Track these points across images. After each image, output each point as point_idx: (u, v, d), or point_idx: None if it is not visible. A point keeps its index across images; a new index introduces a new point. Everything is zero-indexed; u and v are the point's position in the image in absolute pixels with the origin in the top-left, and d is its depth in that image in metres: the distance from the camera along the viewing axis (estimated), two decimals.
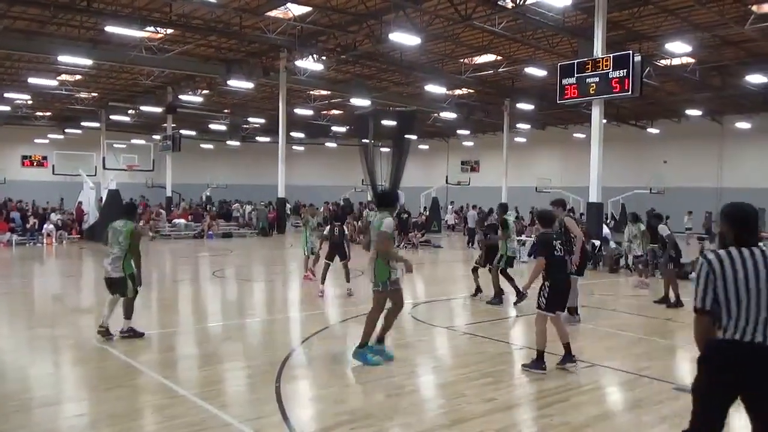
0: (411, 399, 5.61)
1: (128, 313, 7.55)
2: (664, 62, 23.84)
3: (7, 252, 19.78)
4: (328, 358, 7.00)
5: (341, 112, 36.88)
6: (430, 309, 10.36)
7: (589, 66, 16.78)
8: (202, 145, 44.25)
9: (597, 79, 16.65)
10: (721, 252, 3.19)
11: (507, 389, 5.90)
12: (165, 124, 34.22)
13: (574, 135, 38.14)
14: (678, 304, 10.43)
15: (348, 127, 39.23)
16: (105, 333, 7.42)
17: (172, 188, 34.16)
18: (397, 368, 6.55)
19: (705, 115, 33.07)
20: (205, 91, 31.05)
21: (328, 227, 11.95)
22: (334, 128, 40.64)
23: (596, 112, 17.53)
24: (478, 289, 11.04)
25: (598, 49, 16.97)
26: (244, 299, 11.88)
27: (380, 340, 6.80)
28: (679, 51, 20.97)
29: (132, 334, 7.53)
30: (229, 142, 40.80)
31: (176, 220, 27.28)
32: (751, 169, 32.79)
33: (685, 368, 7.07)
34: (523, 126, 37.51)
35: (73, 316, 8.09)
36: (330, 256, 11.38)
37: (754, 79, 23.87)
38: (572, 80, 17.20)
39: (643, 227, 13.64)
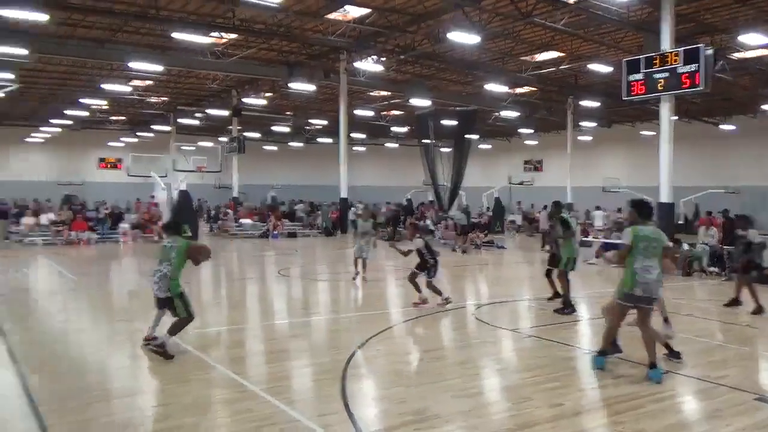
0: (476, 401, 5.57)
1: (173, 330, 6.87)
2: (738, 55, 22.73)
3: (87, 250, 20.80)
4: (392, 358, 7.04)
5: (401, 112, 36.95)
6: (494, 311, 10.24)
7: (657, 61, 16.19)
8: (266, 147, 45.22)
9: (665, 75, 16.04)
10: None
11: (575, 394, 5.77)
12: (230, 127, 35.22)
13: (642, 133, 36.82)
14: (760, 310, 9.90)
15: (408, 128, 39.28)
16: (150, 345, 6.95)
17: (238, 189, 35.16)
18: (462, 370, 6.52)
19: None
20: (268, 94, 31.73)
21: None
22: (395, 129, 40.74)
23: (665, 109, 16.92)
24: (556, 294, 10.28)
25: (666, 43, 16.37)
26: (309, 297, 12.08)
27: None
28: (754, 43, 19.94)
29: (161, 351, 6.72)
30: (291, 144, 41.49)
31: (243, 220, 28.01)
32: None
33: (767, 377, 6.73)
34: (587, 124, 36.54)
35: (149, 311, 8.42)
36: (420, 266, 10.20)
37: None
38: (639, 76, 16.64)
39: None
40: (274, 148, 46.02)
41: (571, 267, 9.89)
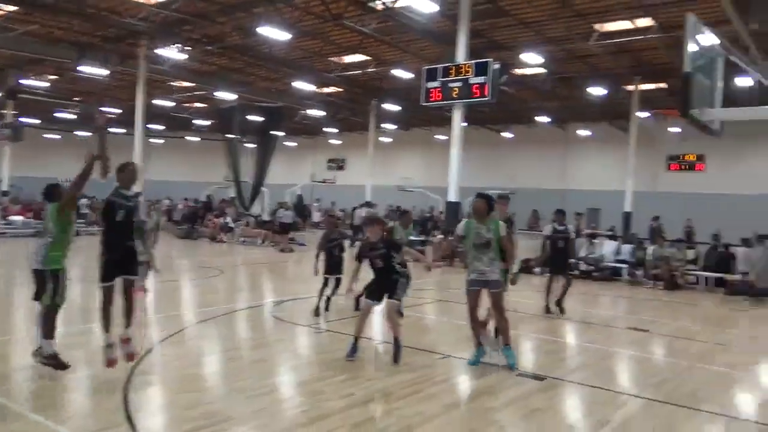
0: (270, 399, 5.53)
1: (45, 329, 5.82)
2: (519, 71, 25.49)
3: None
4: (183, 362, 6.71)
5: (205, 105, 35.53)
6: (294, 307, 10.28)
7: (453, 71, 17.54)
8: (48, 135, 40.58)
9: (459, 84, 17.44)
10: None
11: (365, 384, 6.00)
12: (4, 111, 30.98)
13: (436, 137, 39.67)
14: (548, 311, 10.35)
15: (212, 121, 37.92)
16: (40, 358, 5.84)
17: (9, 182, 31.04)
18: (257, 369, 6.44)
19: (552, 122, 35.88)
20: (52, 77, 28.49)
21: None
22: (197, 122, 39.08)
23: (457, 116, 18.33)
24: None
25: (461, 56, 17.77)
26: (89, 303, 11.02)
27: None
28: (532, 62, 22.53)
29: (52, 363, 5.76)
30: (78, 133, 37.65)
31: (12, 217, 24.66)
32: (590, 173, 36.17)
33: (527, 356, 7.60)
34: (389, 126, 38.36)
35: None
36: None
37: (595, 91, 26.22)
38: (436, 84, 17.88)
39: None
40: (58, 137, 41.47)
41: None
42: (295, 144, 47.35)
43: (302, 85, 26.94)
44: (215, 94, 28.41)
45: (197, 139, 44.39)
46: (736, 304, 13.01)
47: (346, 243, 11.07)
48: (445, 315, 9.54)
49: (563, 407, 5.52)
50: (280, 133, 34.03)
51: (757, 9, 15.76)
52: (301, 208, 32.38)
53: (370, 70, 25.64)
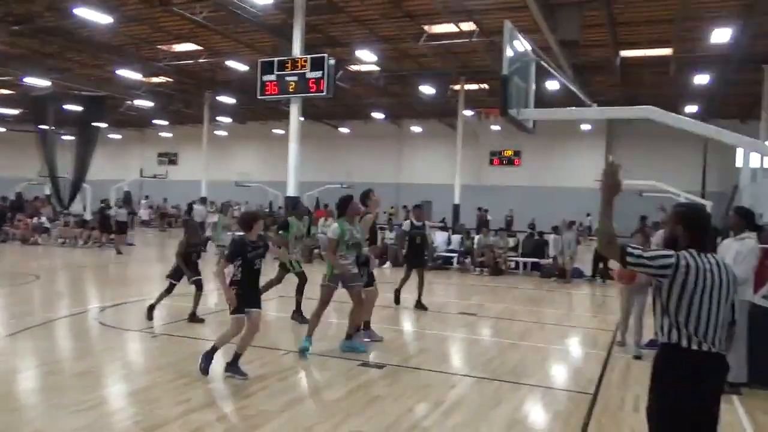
0: (98, 413, 5.10)
1: None
2: (354, 68, 25.98)
3: None
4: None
5: (12, 92, 31.77)
6: (121, 312, 9.60)
7: (289, 65, 17.41)
8: None
9: (295, 78, 17.35)
10: (693, 253, 3.06)
11: (204, 387, 5.79)
12: None
13: (273, 131, 39.24)
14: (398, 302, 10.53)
15: (21, 110, 34.05)
16: None
17: None
18: (82, 381, 5.92)
19: (387, 118, 37.12)
20: None
21: None
22: (3, 110, 34.87)
23: (294, 110, 18.26)
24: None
25: (297, 50, 17.70)
26: None
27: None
28: (366, 59, 23.10)
29: None
30: None
31: None
32: (422, 167, 38.01)
33: (368, 346, 7.83)
34: (223, 119, 37.22)
35: None
36: None
37: (425, 89, 27.53)
38: (273, 77, 17.63)
39: None
40: None
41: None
42: (121, 137, 44.20)
43: (128, 74, 25.17)
44: (25, 80, 25.52)
45: (3, 129, 39.67)
46: (549, 285, 14.47)
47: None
48: (286, 311, 9.48)
49: (402, 392, 5.76)
50: (103, 125, 31.43)
51: (561, 22, 17.60)
52: (130, 206, 30.21)
53: (202, 60, 24.64)
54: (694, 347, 3.00)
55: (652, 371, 3.17)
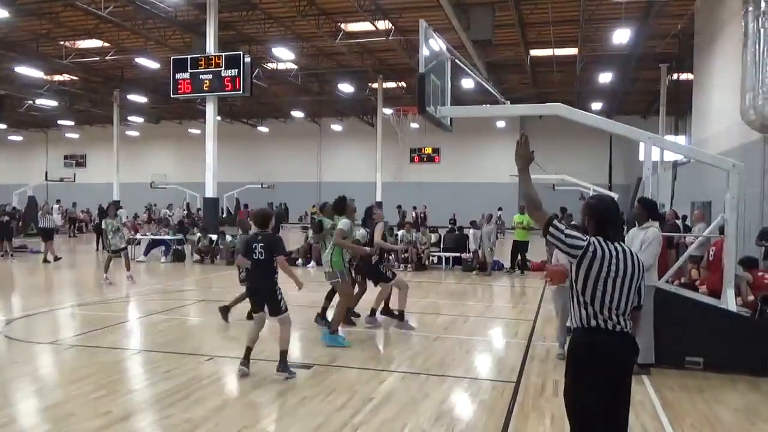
0: None
1: None
2: (271, 66, 25.63)
3: None
4: None
5: None
6: (30, 324, 9.05)
7: (203, 63, 17.01)
8: None
9: (210, 77, 16.99)
10: (601, 241, 3.25)
11: (125, 398, 5.56)
12: None
13: (190, 130, 38.13)
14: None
15: None
16: None
17: None
18: None
19: (307, 116, 36.86)
20: None
21: None
22: None
23: (210, 109, 17.84)
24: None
25: (211, 47, 17.27)
26: None
27: None
28: (284, 57, 22.84)
29: None
30: None
31: None
32: (344, 166, 38.01)
33: (295, 346, 7.79)
34: (135, 119, 35.79)
35: None
36: None
37: (344, 87, 27.55)
38: (186, 75, 17.20)
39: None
40: None
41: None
42: (22, 138, 41.62)
43: (27, 71, 23.70)
44: None
45: None
46: (471, 278, 14.86)
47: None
48: (208, 315, 9.26)
49: (331, 391, 5.76)
50: (1, 126, 29.49)
51: (474, 21, 18.09)
52: (35, 211, 28.46)
53: (110, 57, 23.59)
54: (603, 327, 3.21)
55: (567, 354, 3.34)
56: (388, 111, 30.74)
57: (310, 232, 19.78)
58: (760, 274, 8.15)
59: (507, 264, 15.99)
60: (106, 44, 22.72)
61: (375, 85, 28.91)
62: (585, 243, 3.23)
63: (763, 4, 11.70)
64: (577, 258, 3.22)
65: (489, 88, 11.63)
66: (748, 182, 12.90)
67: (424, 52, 7.36)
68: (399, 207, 30.65)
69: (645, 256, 6.17)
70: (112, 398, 5.50)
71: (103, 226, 13.20)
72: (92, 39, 22.14)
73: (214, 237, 16.99)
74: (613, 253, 3.24)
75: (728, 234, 7.05)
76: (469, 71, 9.21)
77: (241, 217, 19.70)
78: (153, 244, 18.06)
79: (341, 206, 8.08)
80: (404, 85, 29.39)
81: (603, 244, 3.25)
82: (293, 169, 38.39)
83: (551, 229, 3.23)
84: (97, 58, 23.98)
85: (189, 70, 17.10)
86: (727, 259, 7.10)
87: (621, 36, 18.83)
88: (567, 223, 7.24)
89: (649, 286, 6.24)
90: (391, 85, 29.41)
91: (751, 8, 12.09)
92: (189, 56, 17.48)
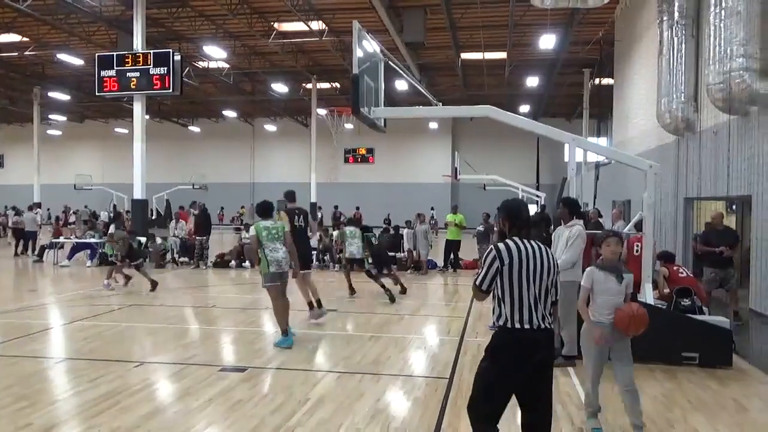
0: None
1: None
2: (202, 64, 25.09)
3: None
4: None
5: None
6: None
7: (130, 60, 16.47)
8: None
9: (138, 74, 16.47)
10: (509, 243, 3.45)
11: (47, 408, 5.34)
12: None
13: (116, 130, 36.82)
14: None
15: None
16: None
17: None
18: None
19: (239, 116, 36.26)
20: None
21: None
22: None
23: (138, 108, 17.30)
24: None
25: (138, 44, 16.75)
26: None
27: None
28: (215, 55, 22.40)
29: None
30: None
31: None
32: (278, 166, 37.64)
33: (228, 350, 7.68)
34: (57, 117, 34.24)
35: None
36: None
37: (278, 87, 27.27)
38: (112, 73, 16.60)
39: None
40: None
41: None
42: None
43: None
44: None
45: None
46: (406, 277, 15.01)
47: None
48: (136, 320, 9.00)
49: (265, 394, 5.72)
50: None
51: (407, 24, 18.33)
52: None
53: (29, 53, 22.48)
54: (518, 326, 3.39)
55: (487, 345, 3.55)
56: (322, 111, 30.67)
57: (244, 233, 19.54)
58: (675, 268, 8.65)
59: (440, 263, 16.27)
60: (25, 39, 21.64)
61: (309, 86, 28.77)
62: (494, 253, 3.43)
63: (676, 15, 12.44)
64: (503, 266, 3.40)
65: (422, 90, 11.80)
66: (663, 181, 13.69)
67: (358, 53, 7.41)
68: (336, 207, 30.62)
69: (571, 252, 6.45)
70: (33, 409, 5.27)
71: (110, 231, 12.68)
72: (10, 33, 21.05)
73: (143, 239, 16.47)
74: (528, 251, 3.42)
75: (646, 231, 7.46)
76: (403, 73, 9.33)
77: (181, 218, 19.18)
78: (77, 248, 17.37)
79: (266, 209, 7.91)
80: (338, 85, 29.40)
81: (517, 243, 3.45)
82: (226, 169, 37.71)
83: (480, 285, 3.47)
84: (15, 54, 22.81)
85: (115, 68, 16.51)
86: (645, 254, 7.51)
87: (547, 41, 19.53)
88: (546, 227, 7.44)
89: (574, 281, 6.51)
90: (325, 85, 29.35)
91: (666, 18, 12.83)
92: (115, 53, 16.88)
